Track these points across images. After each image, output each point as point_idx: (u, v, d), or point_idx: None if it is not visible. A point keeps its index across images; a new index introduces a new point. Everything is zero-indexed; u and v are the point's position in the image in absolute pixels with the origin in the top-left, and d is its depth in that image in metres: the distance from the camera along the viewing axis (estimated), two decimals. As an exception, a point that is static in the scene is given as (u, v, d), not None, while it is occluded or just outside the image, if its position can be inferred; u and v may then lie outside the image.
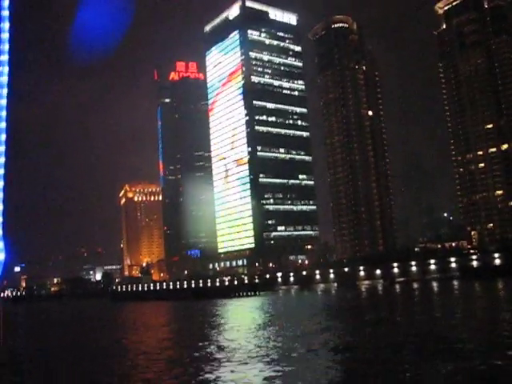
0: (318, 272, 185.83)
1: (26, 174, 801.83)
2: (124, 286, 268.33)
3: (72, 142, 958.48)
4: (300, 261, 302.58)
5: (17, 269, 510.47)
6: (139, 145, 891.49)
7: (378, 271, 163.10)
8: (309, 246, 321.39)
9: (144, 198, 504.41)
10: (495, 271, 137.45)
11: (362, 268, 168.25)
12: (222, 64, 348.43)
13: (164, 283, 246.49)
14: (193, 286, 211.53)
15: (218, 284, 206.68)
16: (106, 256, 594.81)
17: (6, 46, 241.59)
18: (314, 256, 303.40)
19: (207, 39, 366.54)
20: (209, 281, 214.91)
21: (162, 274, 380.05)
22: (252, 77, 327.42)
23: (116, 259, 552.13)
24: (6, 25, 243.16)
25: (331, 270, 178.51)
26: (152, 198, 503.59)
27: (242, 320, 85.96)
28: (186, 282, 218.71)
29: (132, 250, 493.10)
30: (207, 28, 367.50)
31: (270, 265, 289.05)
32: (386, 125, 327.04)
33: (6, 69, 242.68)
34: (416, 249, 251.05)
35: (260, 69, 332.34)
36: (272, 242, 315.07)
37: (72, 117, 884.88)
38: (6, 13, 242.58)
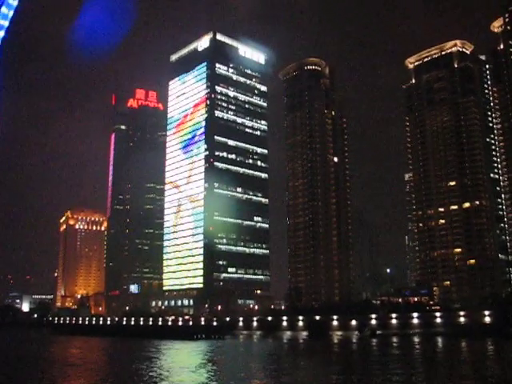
0: (284, 318, 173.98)
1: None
2: (62, 319, 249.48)
3: (20, 163, 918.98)
4: (251, 305, 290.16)
5: None
6: (89, 171, 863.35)
7: (354, 322, 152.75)
8: (258, 291, 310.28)
9: (86, 227, 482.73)
10: (484, 330, 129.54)
11: (335, 317, 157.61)
12: (186, 95, 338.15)
13: (108, 318, 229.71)
14: (141, 323, 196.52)
15: (170, 323, 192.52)
16: (36, 285, 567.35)
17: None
18: (264, 301, 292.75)
19: (172, 69, 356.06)
20: (160, 319, 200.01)
21: (100, 308, 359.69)
22: (216, 111, 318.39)
23: (47, 289, 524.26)
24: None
25: (300, 317, 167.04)
26: (94, 228, 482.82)
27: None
28: (133, 319, 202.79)
29: (67, 281, 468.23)
30: (173, 57, 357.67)
31: (219, 307, 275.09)
32: (349, 173, 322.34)
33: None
34: (376, 302, 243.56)
35: (224, 104, 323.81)
36: (221, 283, 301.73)
37: (21, 137, 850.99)
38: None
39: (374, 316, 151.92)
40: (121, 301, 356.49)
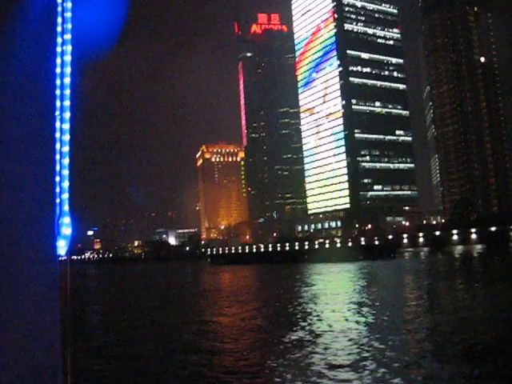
0: (455, 232, 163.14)
1: (98, 135, 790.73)
2: (215, 249, 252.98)
3: (148, 104, 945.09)
4: (402, 222, 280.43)
5: (89, 232, 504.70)
6: (219, 103, 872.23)
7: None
8: (407, 208, 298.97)
9: (222, 159, 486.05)
10: None
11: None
12: (311, 12, 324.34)
13: (261, 245, 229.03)
14: (296, 248, 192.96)
15: (327, 246, 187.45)
16: (177, 219, 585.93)
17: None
18: (414, 217, 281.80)
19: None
20: (316, 242, 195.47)
21: (247, 237, 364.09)
22: (345, 24, 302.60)
23: (189, 223, 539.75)
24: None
25: (474, 230, 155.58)
26: (230, 159, 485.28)
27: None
28: (289, 244, 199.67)
29: (210, 213, 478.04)
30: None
31: (368, 227, 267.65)
32: (499, 73, 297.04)
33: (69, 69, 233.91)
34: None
35: (353, 16, 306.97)
36: (368, 202, 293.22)
37: (148, 77, 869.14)
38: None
39: None
40: (266, 228, 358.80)
